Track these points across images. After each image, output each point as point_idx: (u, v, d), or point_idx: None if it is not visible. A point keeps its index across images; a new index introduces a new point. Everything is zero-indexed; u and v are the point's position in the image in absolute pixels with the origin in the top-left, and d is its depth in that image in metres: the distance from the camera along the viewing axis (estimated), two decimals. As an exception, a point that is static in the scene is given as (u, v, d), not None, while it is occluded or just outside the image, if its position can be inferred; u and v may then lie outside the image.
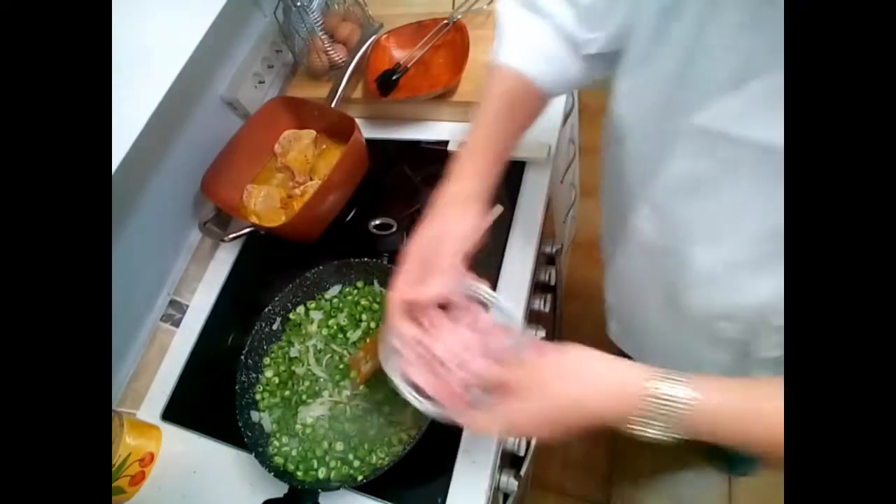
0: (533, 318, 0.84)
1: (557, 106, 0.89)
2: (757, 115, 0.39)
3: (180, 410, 0.83)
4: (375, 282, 0.79)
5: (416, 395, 0.49)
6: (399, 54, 1.00)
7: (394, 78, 0.95)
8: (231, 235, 0.89)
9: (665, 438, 0.42)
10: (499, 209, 0.65)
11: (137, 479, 0.77)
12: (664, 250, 0.50)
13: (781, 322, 0.46)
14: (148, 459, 0.78)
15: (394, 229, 0.87)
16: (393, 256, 0.81)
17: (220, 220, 0.95)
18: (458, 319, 0.51)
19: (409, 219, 0.86)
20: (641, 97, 0.47)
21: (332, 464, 0.67)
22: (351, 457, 0.67)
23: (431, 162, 0.90)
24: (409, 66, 0.97)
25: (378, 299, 0.78)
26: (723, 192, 0.43)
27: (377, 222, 0.88)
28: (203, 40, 0.57)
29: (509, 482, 0.72)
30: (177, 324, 0.91)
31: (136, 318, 0.86)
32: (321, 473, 0.67)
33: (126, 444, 0.75)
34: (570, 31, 0.51)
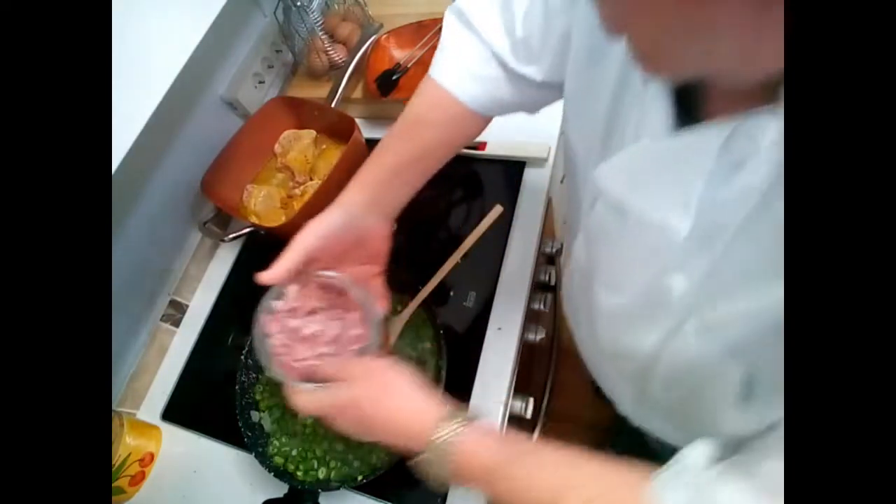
0: (533, 317, 0.84)
1: (558, 107, 0.89)
2: (630, 179, 0.38)
3: (180, 410, 0.83)
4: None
5: (271, 358, 0.54)
6: (399, 54, 1.00)
7: (394, 78, 0.95)
8: (231, 235, 0.89)
9: (446, 482, 0.42)
10: (498, 209, 0.65)
11: (137, 479, 0.77)
12: (588, 279, 0.51)
13: (665, 372, 0.46)
14: (148, 459, 0.78)
15: (393, 229, 0.86)
16: (392, 257, 0.81)
17: (220, 220, 0.95)
18: (336, 306, 0.56)
19: (408, 219, 0.86)
20: (582, 132, 0.47)
21: (332, 464, 0.67)
22: (351, 457, 0.67)
23: (431, 162, 0.90)
24: (409, 66, 0.97)
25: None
26: (616, 244, 0.43)
27: (377, 222, 0.88)
28: (203, 40, 0.57)
29: (509, 482, 0.72)
30: (177, 324, 0.91)
31: (136, 318, 0.87)
32: (321, 473, 0.67)
33: (126, 444, 0.75)
34: (505, 61, 0.51)
